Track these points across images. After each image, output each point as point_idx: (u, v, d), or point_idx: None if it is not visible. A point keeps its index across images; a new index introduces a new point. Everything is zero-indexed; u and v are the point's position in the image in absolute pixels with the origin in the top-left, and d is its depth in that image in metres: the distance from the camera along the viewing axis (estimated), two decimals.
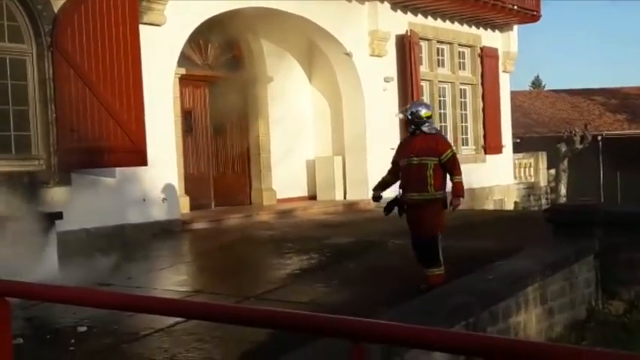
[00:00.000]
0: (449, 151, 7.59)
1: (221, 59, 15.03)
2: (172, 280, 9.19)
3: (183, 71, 13.68)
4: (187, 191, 13.71)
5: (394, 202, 7.78)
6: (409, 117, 7.60)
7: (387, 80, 16.47)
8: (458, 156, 7.88)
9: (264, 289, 8.32)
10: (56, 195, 10.50)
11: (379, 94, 16.31)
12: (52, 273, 8.78)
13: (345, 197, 16.24)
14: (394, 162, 7.87)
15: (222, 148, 15.24)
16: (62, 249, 9.25)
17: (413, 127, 7.60)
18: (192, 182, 14.03)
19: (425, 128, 7.57)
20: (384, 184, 7.97)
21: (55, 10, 10.41)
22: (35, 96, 10.41)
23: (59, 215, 9.29)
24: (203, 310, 2.28)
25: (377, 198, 7.96)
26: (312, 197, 16.44)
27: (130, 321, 7.18)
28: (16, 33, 10.32)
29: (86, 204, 10.55)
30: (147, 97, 11.21)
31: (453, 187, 7.57)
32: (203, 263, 10.45)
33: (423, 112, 7.62)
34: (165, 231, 12.01)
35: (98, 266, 9.16)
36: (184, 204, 13.39)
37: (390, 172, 7.96)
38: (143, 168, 11.32)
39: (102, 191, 11.05)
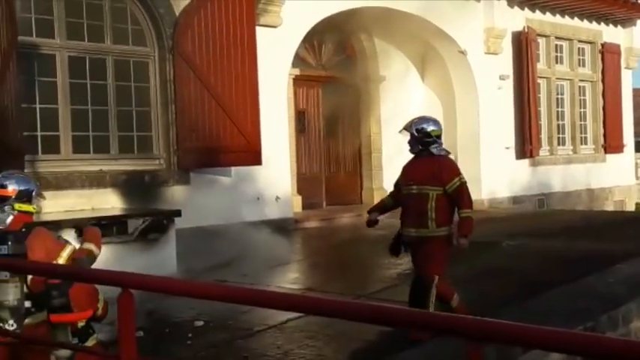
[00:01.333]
0: (456, 179, 6.28)
1: (334, 59, 15.14)
2: (285, 277, 9.33)
3: (297, 72, 13.87)
4: (300, 190, 13.90)
5: (398, 238, 6.53)
6: (415, 134, 6.34)
7: (502, 78, 16.14)
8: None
9: (374, 288, 8.33)
10: (175, 193, 10.86)
11: (494, 92, 16.00)
12: (171, 269, 9.10)
13: None
14: (397, 185, 6.70)
15: (334, 148, 15.34)
16: (180, 246, 9.56)
17: (420, 147, 6.37)
18: (304, 181, 14.21)
19: (434, 150, 6.35)
20: (382, 208, 6.77)
21: (176, 13, 10.77)
22: (157, 97, 10.79)
23: (178, 213, 9.61)
24: (319, 305, 2.29)
25: (372, 222, 6.67)
26: None
27: (244, 317, 7.35)
28: (139, 36, 10.75)
29: (203, 202, 10.84)
30: (262, 97, 11.43)
31: (459, 224, 6.27)
32: (315, 261, 10.56)
33: (431, 128, 6.37)
34: (279, 229, 12.20)
35: (214, 263, 9.42)
36: (297, 203, 13.57)
37: (391, 194, 6.79)
38: (257, 167, 11.55)
39: (218, 190, 11.33)
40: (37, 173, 9.43)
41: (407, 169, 6.54)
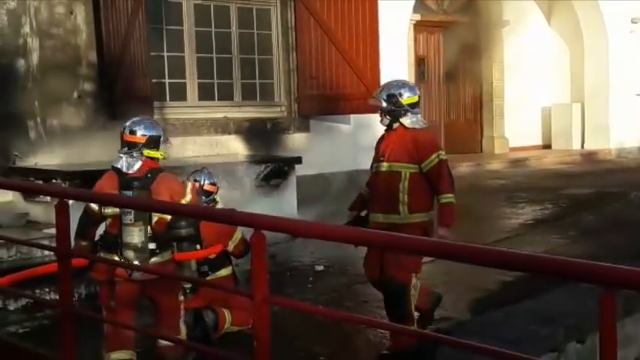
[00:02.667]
0: (434, 156, 5.08)
1: (456, 4, 14.77)
2: None
3: (418, 17, 13.64)
4: None
5: (358, 221, 5.37)
6: (383, 103, 5.18)
7: (635, 21, 15.34)
8: None
9: (496, 237, 8.24)
10: (296, 141, 11.01)
11: (625, 36, 15.23)
12: (291, 214, 9.30)
13: (582, 146, 15.50)
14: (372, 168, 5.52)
15: (454, 95, 15.09)
16: (300, 192, 9.74)
17: (389, 118, 5.20)
18: None
19: (406, 120, 5.14)
20: (362, 202, 5.51)
21: None
22: (278, 45, 10.90)
23: (299, 160, 9.76)
24: (451, 250, 2.25)
25: (353, 222, 5.37)
26: (547, 146, 15.87)
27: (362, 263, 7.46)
28: None
29: (323, 150, 10.95)
30: (382, 44, 11.32)
31: (439, 212, 5.12)
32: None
33: (405, 96, 5.17)
34: None
35: (334, 210, 9.54)
36: None
37: (367, 183, 5.59)
38: (376, 115, 11.45)
39: (337, 138, 11.40)
40: (166, 120, 9.77)
41: (378, 143, 5.40)
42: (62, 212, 3.01)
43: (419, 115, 5.22)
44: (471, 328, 5.22)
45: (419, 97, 5.24)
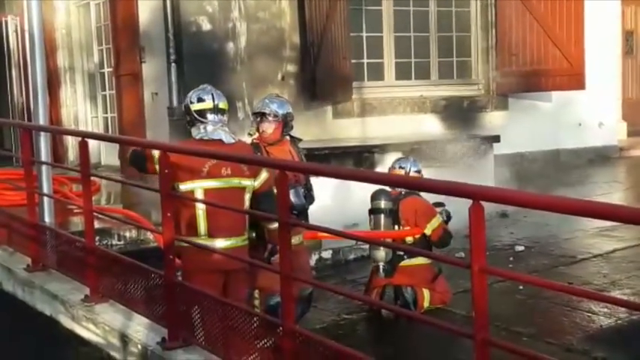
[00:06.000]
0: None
1: None
2: None
3: None
4: (625, 116, 13.12)
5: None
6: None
7: None
8: None
9: None
10: (493, 119, 10.84)
11: None
12: None
13: None
14: None
15: None
16: (498, 171, 9.57)
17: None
18: (630, 107, 13.37)
19: (194, 131, 4.28)
20: None
21: None
22: (477, 22, 10.74)
23: (496, 139, 9.59)
24: None
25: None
26: None
27: (566, 244, 7.26)
28: None
29: (521, 128, 10.68)
30: (587, 17, 10.84)
31: None
32: None
33: (195, 101, 4.27)
34: (601, 157, 11.73)
35: (533, 189, 9.31)
36: (621, 130, 12.85)
37: None
38: (579, 92, 11.04)
39: (537, 116, 11.07)
40: (363, 99, 9.97)
41: None
42: (283, 183, 3.18)
43: (209, 127, 4.20)
44: None
45: (215, 105, 4.22)
